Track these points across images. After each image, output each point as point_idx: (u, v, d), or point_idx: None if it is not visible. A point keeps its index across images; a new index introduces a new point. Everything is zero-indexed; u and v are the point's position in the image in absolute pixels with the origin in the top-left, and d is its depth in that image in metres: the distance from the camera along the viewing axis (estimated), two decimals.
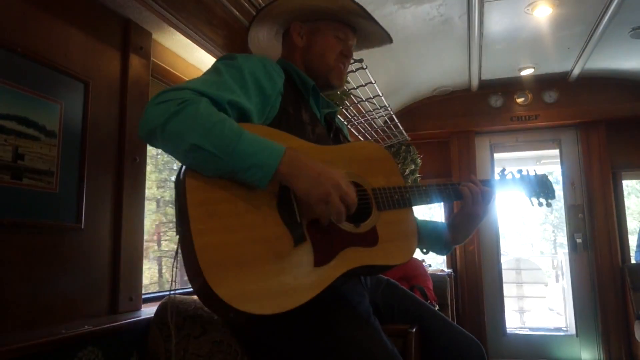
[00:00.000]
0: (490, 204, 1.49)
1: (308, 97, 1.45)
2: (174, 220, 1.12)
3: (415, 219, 1.44)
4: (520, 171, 1.66)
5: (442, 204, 5.00)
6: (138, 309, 1.67)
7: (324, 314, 1.20)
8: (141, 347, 1.49)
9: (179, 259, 1.11)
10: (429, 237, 1.58)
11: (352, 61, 2.69)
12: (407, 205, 1.39)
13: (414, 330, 1.43)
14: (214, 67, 1.23)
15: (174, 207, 1.13)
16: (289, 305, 1.04)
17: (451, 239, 1.55)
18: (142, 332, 1.50)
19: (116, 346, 1.41)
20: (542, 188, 1.66)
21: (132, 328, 1.47)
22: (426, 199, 1.44)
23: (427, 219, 1.64)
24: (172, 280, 1.13)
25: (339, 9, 1.45)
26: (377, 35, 1.61)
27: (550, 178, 1.71)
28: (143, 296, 1.75)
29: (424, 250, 1.53)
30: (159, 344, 1.48)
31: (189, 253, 1.02)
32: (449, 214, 4.95)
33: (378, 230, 1.29)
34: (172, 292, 1.16)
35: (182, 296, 1.57)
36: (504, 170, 1.63)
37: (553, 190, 1.68)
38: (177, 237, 1.10)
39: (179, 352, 1.45)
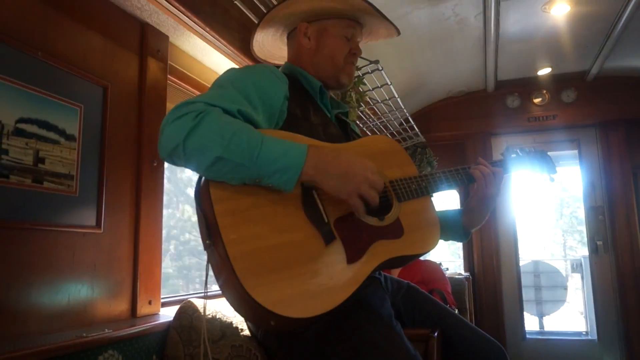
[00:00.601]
0: (502, 185, 1.50)
1: (317, 99, 1.44)
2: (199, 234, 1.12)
3: (433, 205, 1.44)
4: (522, 148, 1.66)
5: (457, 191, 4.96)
6: (157, 312, 1.68)
7: (346, 318, 1.19)
8: (160, 350, 1.49)
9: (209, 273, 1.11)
10: (446, 226, 1.58)
11: (367, 62, 2.69)
12: (425, 193, 1.40)
13: (436, 334, 1.41)
14: (218, 83, 1.23)
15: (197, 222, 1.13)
16: (329, 305, 1.05)
17: (468, 223, 1.56)
18: (161, 335, 1.50)
19: (136, 350, 1.41)
20: (544, 163, 1.68)
21: (151, 332, 1.47)
22: (442, 185, 1.45)
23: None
24: (205, 284, 1.12)
25: (348, 8, 1.44)
26: (384, 29, 1.58)
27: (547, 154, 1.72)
28: (161, 299, 1.75)
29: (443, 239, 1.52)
30: (178, 348, 1.48)
31: (223, 264, 1.02)
32: (465, 198, 4.91)
33: (402, 221, 1.30)
34: (206, 293, 1.15)
35: (199, 299, 1.57)
36: (508, 148, 1.62)
37: (553, 165, 1.71)
38: (205, 251, 1.10)
39: (197, 356, 1.45)
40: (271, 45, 1.63)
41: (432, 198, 1.44)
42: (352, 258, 1.14)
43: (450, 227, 1.58)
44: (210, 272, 1.12)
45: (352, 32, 1.48)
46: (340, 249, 1.13)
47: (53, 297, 1.32)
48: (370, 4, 1.43)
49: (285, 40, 1.58)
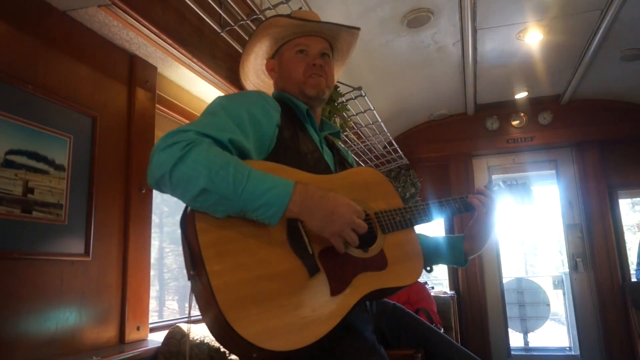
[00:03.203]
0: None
1: (305, 122, 1.46)
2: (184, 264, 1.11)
3: (417, 237, 1.44)
4: (504, 181, 1.68)
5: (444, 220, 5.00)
6: (145, 337, 1.66)
7: (331, 342, 1.18)
8: None
9: (193, 304, 1.10)
10: (447, 252, 1.59)
11: (351, 89, 2.73)
12: (409, 225, 1.39)
13: (420, 355, 1.41)
14: (211, 109, 1.21)
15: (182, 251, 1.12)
16: (311, 338, 1.03)
17: (469, 249, 1.56)
18: None
19: None
20: (524, 194, 1.69)
21: (139, 358, 1.46)
22: (427, 217, 1.44)
23: (426, 234, 1.64)
24: (189, 310, 1.11)
25: (282, 30, 1.45)
26: (345, 34, 1.54)
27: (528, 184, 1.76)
28: (150, 325, 1.73)
29: (428, 269, 1.52)
30: None
31: (205, 295, 1.00)
32: (450, 227, 4.92)
33: (386, 253, 1.29)
34: (189, 318, 1.13)
35: (188, 324, 1.56)
36: (490, 183, 1.65)
37: (532, 195, 1.72)
38: (189, 281, 1.09)
39: None
40: (263, 85, 1.66)
41: (415, 230, 1.43)
42: (335, 290, 1.13)
43: (451, 253, 1.59)
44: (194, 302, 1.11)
45: (306, 45, 1.45)
46: (324, 281, 1.12)
47: (41, 325, 1.30)
48: (309, 20, 1.43)
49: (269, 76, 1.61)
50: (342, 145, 2.30)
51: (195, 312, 1.12)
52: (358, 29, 1.54)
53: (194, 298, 1.09)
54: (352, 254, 1.21)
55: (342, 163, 1.53)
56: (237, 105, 1.23)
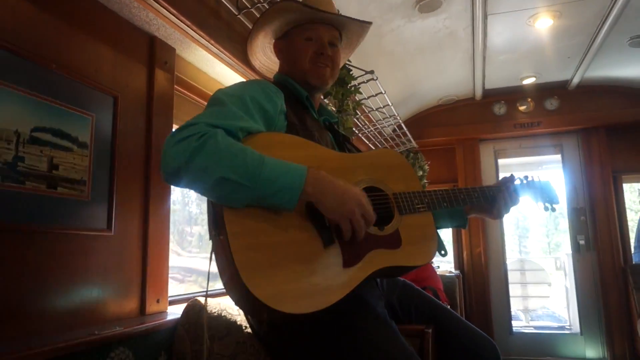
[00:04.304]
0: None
1: (307, 106, 1.44)
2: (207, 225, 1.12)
3: (433, 221, 1.43)
4: (526, 177, 1.65)
5: None
6: (165, 310, 1.67)
7: (344, 316, 1.19)
8: (168, 346, 1.48)
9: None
10: (450, 214, 1.63)
11: (363, 72, 2.69)
12: (427, 209, 1.39)
13: (430, 330, 1.41)
14: (216, 99, 1.20)
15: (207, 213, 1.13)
16: (320, 305, 1.04)
17: (469, 213, 1.62)
18: (170, 332, 1.49)
19: (145, 346, 1.40)
20: (547, 193, 1.67)
21: (160, 329, 1.46)
22: (445, 204, 1.44)
23: None
24: (207, 282, 1.12)
25: (294, 15, 1.42)
26: (355, 26, 1.52)
27: (552, 184, 1.71)
28: (169, 298, 1.74)
29: (443, 252, 1.52)
30: (185, 344, 1.48)
31: (225, 255, 1.02)
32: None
33: (401, 233, 1.29)
34: (207, 292, 1.14)
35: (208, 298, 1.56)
36: (512, 176, 1.61)
37: (556, 196, 1.70)
38: (210, 240, 1.10)
39: (203, 352, 1.44)
40: (270, 62, 1.65)
41: (432, 214, 1.42)
42: (348, 262, 1.13)
43: (453, 213, 1.63)
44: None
45: (316, 33, 1.42)
46: (338, 253, 1.13)
47: (66, 297, 1.31)
48: (320, 10, 1.39)
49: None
50: (350, 130, 2.27)
51: (216, 284, 1.13)
52: (370, 23, 1.52)
53: (214, 256, 1.10)
54: (368, 230, 1.21)
55: (343, 145, 1.51)
56: (241, 93, 1.22)
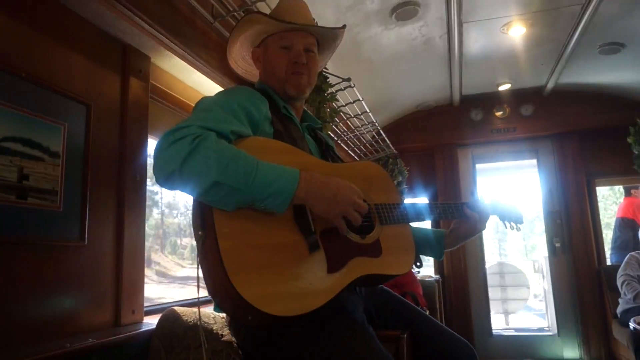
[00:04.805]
0: None
1: (289, 115, 1.44)
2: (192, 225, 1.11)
3: (411, 233, 1.47)
4: (492, 200, 1.73)
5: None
6: (140, 321, 1.65)
7: (322, 323, 1.19)
8: (143, 358, 1.46)
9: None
10: (428, 245, 1.64)
11: (340, 80, 2.71)
12: (406, 221, 1.43)
13: (405, 335, 1.42)
14: (203, 106, 1.19)
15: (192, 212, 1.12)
16: (306, 308, 1.05)
17: (448, 245, 1.63)
18: (144, 343, 1.48)
19: (119, 358, 1.38)
20: (512, 215, 1.75)
21: (134, 340, 1.45)
22: (422, 217, 1.49)
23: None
24: (197, 286, 1.11)
25: (266, 26, 1.42)
26: (329, 33, 1.51)
27: (517, 203, 1.78)
28: (145, 308, 1.72)
29: (418, 264, 1.54)
30: (160, 355, 1.46)
31: (212, 256, 1.01)
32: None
33: (381, 242, 1.31)
34: (199, 298, 1.13)
35: (181, 308, 1.55)
36: (478, 198, 1.67)
37: (521, 217, 1.78)
38: (197, 242, 1.09)
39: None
40: (250, 68, 1.63)
41: (410, 226, 1.47)
42: (332, 268, 1.15)
43: (431, 246, 1.65)
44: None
45: (290, 41, 1.41)
46: (323, 259, 1.14)
47: (37, 309, 1.29)
48: (292, 23, 1.39)
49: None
50: (328, 136, 2.30)
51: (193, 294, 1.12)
52: (343, 27, 1.52)
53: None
54: (351, 238, 1.24)
55: (327, 153, 1.51)
56: (228, 99, 1.22)
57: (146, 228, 1.72)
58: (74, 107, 1.45)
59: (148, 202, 1.65)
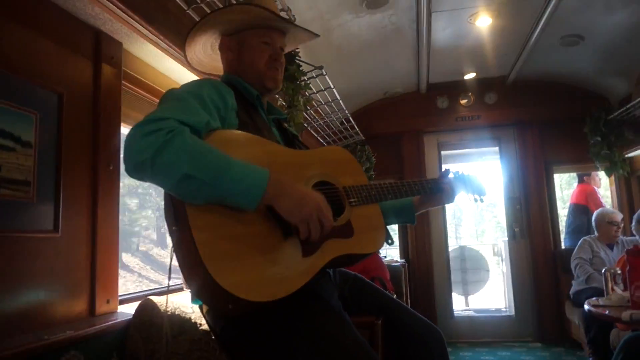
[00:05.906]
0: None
1: (257, 106, 1.47)
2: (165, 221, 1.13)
3: (381, 212, 1.52)
4: (457, 172, 1.78)
5: None
6: (115, 310, 1.65)
7: (298, 309, 1.23)
8: (120, 348, 1.48)
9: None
10: (402, 211, 1.74)
11: (313, 68, 2.73)
12: (374, 201, 1.48)
13: (380, 321, 1.49)
14: (175, 96, 1.19)
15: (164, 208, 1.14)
16: (283, 292, 1.09)
17: (417, 210, 1.75)
18: (121, 333, 1.49)
19: (97, 348, 1.39)
20: (475, 186, 1.84)
21: (111, 330, 1.46)
22: (390, 196, 1.54)
23: None
24: (168, 278, 1.13)
25: (257, 20, 1.44)
26: (302, 33, 1.57)
27: (480, 177, 1.86)
28: (119, 297, 1.73)
29: (390, 241, 1.60)
30: (138, 345, 1.48)
31: (187, 248, 1.04)
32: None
33: (352, 223, 1.36)
34: (168, 287, 1.15)
35: (159, 297, 1.56)
36: (447, 170, 1.74)
37: (484, 188, 1.86)
38: (171, 236, 1.11)
39: (158, 352, 1.44)
40: (207, 60, 1.62)
41: (378, 205, 1.52)
42: (307, 252, 1.19)
43: (405, 212, 1.74)
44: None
45: (271, 38, 1.46)
46: (297, 244, 1.18)
47: (12, 300, 1.28)
48: (271, 11, 1.42)
49: (218, 53, 1.56)
50: (300, 125, 2.32)
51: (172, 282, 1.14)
52: (318, 35, 1.60)
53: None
54: None
55: (292, 143, 1.55)
56: (198, 91, 1.23)
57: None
58: (45, 96, 1.42)
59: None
